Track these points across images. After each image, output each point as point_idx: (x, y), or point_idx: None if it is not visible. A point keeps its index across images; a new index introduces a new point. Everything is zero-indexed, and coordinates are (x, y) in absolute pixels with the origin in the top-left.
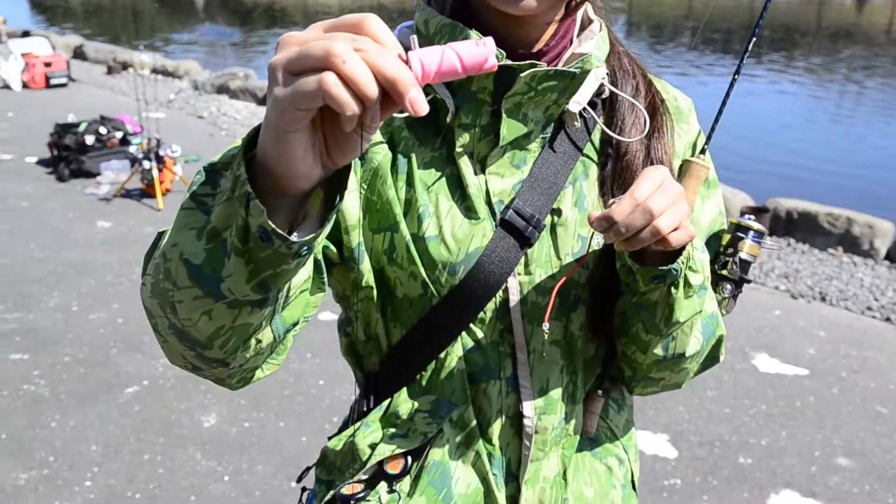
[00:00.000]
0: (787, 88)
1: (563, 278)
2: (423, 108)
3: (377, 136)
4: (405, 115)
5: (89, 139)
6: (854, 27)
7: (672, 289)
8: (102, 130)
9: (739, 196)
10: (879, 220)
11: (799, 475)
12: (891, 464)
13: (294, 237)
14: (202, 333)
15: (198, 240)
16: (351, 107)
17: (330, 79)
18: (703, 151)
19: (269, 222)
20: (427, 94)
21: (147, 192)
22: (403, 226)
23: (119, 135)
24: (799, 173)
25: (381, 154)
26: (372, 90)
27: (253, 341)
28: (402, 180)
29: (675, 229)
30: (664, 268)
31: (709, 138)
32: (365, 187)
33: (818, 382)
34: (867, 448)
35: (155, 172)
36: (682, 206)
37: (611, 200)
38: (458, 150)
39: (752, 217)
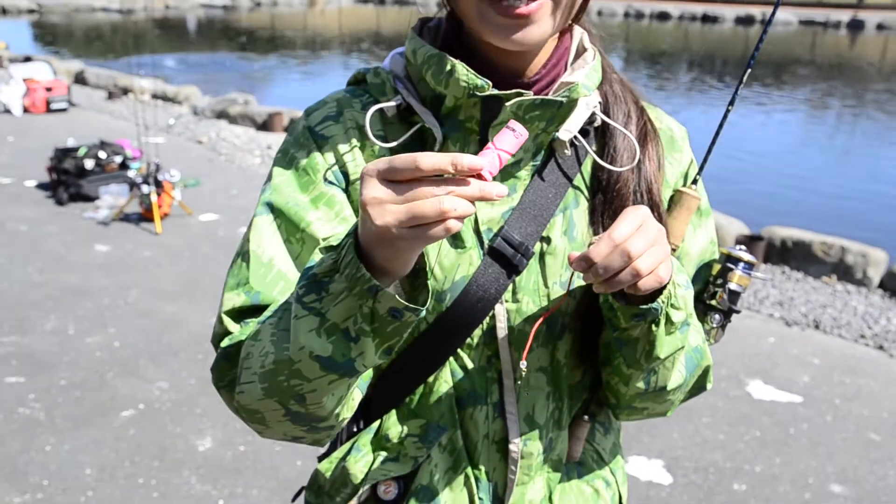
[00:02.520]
0: (782, 118)
1: (544, 315)
2: (505, 193)
3: (359, 172)
4: (390, 145)
5: (89, 164)
6: (847, 59)
7: (653, 326)
8: (102, 155)
9: (735, 224)
10: (873, 249)
11: (793, 502)
12: (884, 491)
13: (420, 305)
14: (326, 409)
15: (319, 337)
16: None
17: (453, 225)
18: (695, 181)
19: (402, 301)
20: (415, 123)
21: (145, 217)
22: None
23: (118, 159)
24: (793, 202)
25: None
26: (473, 210)
27: (351, 401)
28: None
29: (652, 272)
30: (644, 307)
31: (701, 168)
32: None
33: (812, 410)
34: (860, 475)
35: (153, 197)
36: (661, 247)
37: (590, 241)
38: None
39: (743, 248)
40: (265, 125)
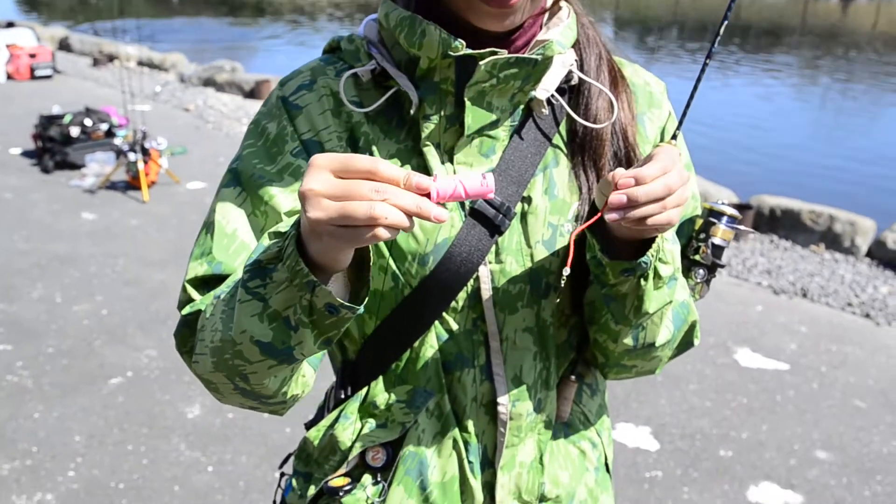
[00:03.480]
0: (772, 87)
1: (579, 229)
2: (444, 217)
3: (333, 139)
4: (365, 110)
5: (74, 131)
6: (838, 28)
7: (641, 281)
8: (88, 122)
9: (724, 193)
10: (861, 218)
11: (778, 468)
12: (868, 457)
13: (360, 302)
14: (270, 389)
15: (261, 322)
16: (391, 237)
17: (381, 233)
18: (674, 136)
19: (338, 299)
20: (390, 88)
21: (132, 185)
22: None
23: (104, 127)
24: (782, 171)
25: (339, 152)
26: (406, 224)
27: (301, 379)
28: None
29: (675, 211)
30: (634, 261)
31: (681, 122)
32: None
33: (799, 377)
34: (846, 442)
35: (140, 165)
36: (686, 190)
37: (618, 170)
38: (424, 141)
39: (726, 202)
40: (253, 93)
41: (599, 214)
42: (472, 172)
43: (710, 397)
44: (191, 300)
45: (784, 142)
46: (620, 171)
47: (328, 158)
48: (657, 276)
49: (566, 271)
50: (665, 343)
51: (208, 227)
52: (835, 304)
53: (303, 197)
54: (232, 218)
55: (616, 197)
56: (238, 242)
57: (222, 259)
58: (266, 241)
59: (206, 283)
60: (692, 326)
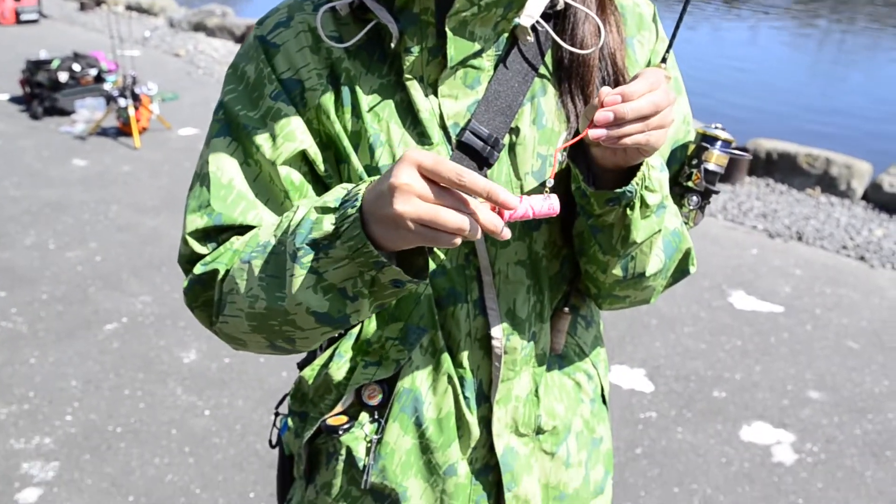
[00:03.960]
0: (770, 31)
1: (563, 145)
2: (508, 237)
3: (313, 76)
4: (345, 45)
5: (63, 76)
6: None
7: (628, 210)
8: (76, 67)
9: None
10: (857, 161)
11: (771, 408)
12: (860, 397)
13: (420, 277)
14: (313, 346)
15: (316, 293)
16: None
17: (457, 241)
18: (664, 59)
19: (405, 276)
20: (369, 21)
21: (123, 131)
22: (354, 158)
23: (93, 72)
24: (779, 115)
25: (319, 91)
26: (478, 237)
27: None
28: (347, 112)
29: (661, 132)
30: (619, 190)
31: (670, 45)
32: (317, 126)
33: (793, 319)
34: (838, 382)
35: (131, 111)
36: (671, 112)
37: (604, 89)
38: (407, 74)
39: (719, 125)
40: (244, 38)
41: (585, 132)
42: (537, 196)
43: (705, 339)
44: (194, 254)
45: (781, 85)
46: (606, 89)
47: (420, 156)
48: (644, 204)
49: (549, 182)
50: (656, 272)
51: (202, 178)
52: (829, 247)
53: (394, 188)
54: (226, 168)
55: (602, 114)
56: (235, 192)
57: (221, 210)
58: (312, 216)
59: (207, 234)
60: (686, 254)
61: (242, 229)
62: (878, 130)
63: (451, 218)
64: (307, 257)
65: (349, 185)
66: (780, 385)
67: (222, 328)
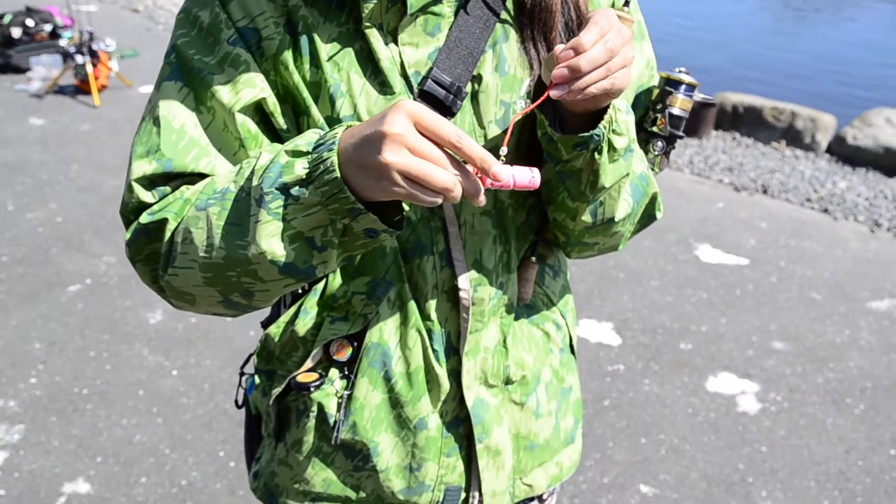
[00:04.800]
0: None
1: (518, 114)
2: (483, 203)
3: (270, 25)
4: None
5: (16, 32)
6: None
7: (595, 154)
8: (30, 23)
9: None
10: (822, 114)
11: (736, 359)
12: (822, 346)
13: (395, 227)
14: (269, 302)
15: (281, 242)
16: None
17: (438, 201)
18: (627, 3)
19: (381, 224)
20: None
21: (81, 89)
22: (315, 110)
23: (48, 28)
24: (744, 69)
25: (276, 41)
26: (457, 200)
27: None
28: (306, 62)
29: (621, 73)
30: (586, 134)
31: None
32: (274, 77)
33: (758, 272)
34: (801, 332)
35: (89, 68)
36: (630, 50)
37: (557, 46)
38: (365, 22)
39: (684, 69)
40: None
41: (546, 94)
42: (522, 168)
43: (672, 293)
44: (140, 203)
45: (748, 38)
46: (560, 45)
47: (418, 109)
48: (611, 148)
49: (503, 150)
50: (625, 217)
51: (154, 121)
52: (794, 200)
53: (384, 135)
54: (178, 113)
55: (559, 71)
56: (187, 138)
57: (172, 156)
58: (282, 159)
59: (154, 182)
60: (653, 199)
61: (193, 178)
62: (842, 84)
63: (440, 177)
64: (275, 203)
65: (321, 130)
66: (744, 336)
67: (171, 281)
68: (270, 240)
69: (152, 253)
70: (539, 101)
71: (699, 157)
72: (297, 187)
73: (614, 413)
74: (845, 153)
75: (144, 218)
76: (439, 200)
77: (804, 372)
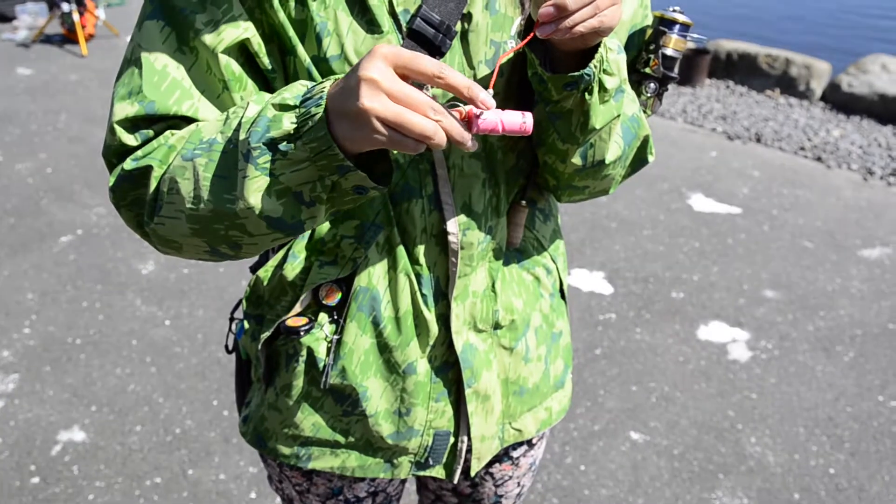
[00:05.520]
0: None
1: (506, 53)
2: (474, 149)
3: None
4: None
5: None
6: None
7: (586, 95)
8: None
9: None
10: (817, 61)
11: (727, 307)
12: (812, 294)
13: (383, 183)
14: (256, 253)
15: (269, 197)
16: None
17: (420, 147)
18: None
19: (369, 181)
20: None
21: (69, 38)
22: (301, 49)
23: None
24: (738, 16)
25: None
26: (443, 145)
27: None
28: (292, 0)
29: (610, 11)
30: (576, 73)
31: None
32: (259, 15)
33: (750, 220)
34: (792, 280)
35: (76, 16)
36: None
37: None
38: None
39: (678, 9)
40: None
41: (532, 34)
42: (512, 112)
43: (664, 242)
44: (123, 145)
45: None
46: None
47: (395, 53)
48: (602, 88)
49: (491, 92)
50: (616, 159)
51: (133, 63)
52: (787, 149)
53: (360, 81)
54: (160, 54)
55: (545, 9)
56: (170, 80)
57: (154, 98)
58: (269, 113)
59: (137, 124)
60: (645, 142)
61: (176, 120)
62: (837, 30)
63: (417, 122)
64: (263, 158)
65: (308, 83)
66: (736, 285)
67: (157, 230)
68: (258, 195)
69: (137, 199)
70: (526, 41)
71: (692, 105)
72: (284, 142)
73: (605, 361)
74: (839, 101)
75: (128, 164)
76: (422, 148)
77: (795, 320)
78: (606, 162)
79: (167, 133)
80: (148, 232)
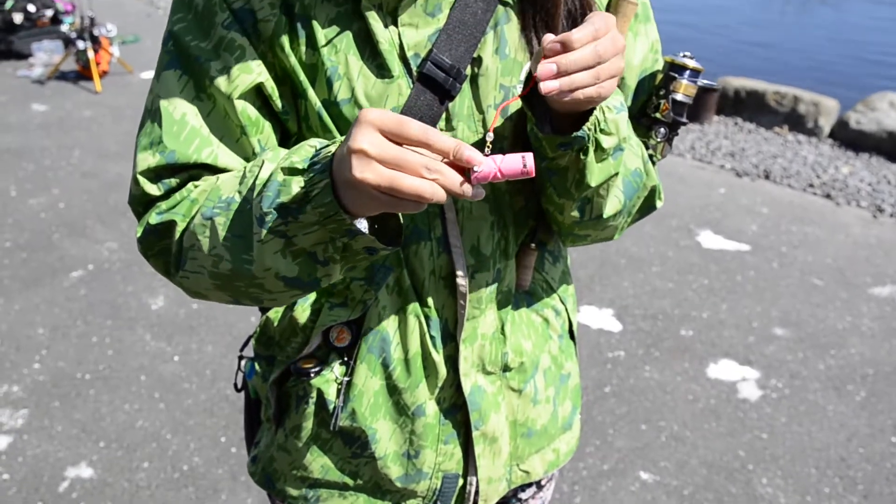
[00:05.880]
0: None
1: (506, 102)
2: (480, 197)
3: (265, 6)
4: None
5: (17, 18)
6: None
7: (581, 154)
8: (31, 8)
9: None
10: (825, 99)
11: (737, 345)
12: (823, 332)
13: (393, 244)
14: (279, 305)
15: (285, 258)
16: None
17: (420, 207)
18: None
19: (379, 243)
20: None
21: (83, 74)
22: (312, 93)
23: (49, 13)
24: (747, 54)
25: (273, 22)
26: (443, 200)
27: None
28: (303, 44)
29: (608, 82)
30: (570, 135)
31: None
32: (271, 59)
33: (759, 257)
34: (802, 318)
35: (90, 54)
36: (621, 60)
37: (546, 36)
38: (364, 3)
39: (688, 54)
40: None
41: (529, 87)
42: (511, 155)
43: (673, 279)
44: (145, 195)
45: (749, 22)
46: (549, 36)
47: (381, 117)
48: (599, 148)
49: (489, 136)
50: (615, 213)
51: (153, 114)
52: (796, 185)
53: (350, 152)
54: (178, 103)
55: (545, 66)
56: (189, 128)
57: (174, 147)
58: (279, 177)
59: (159, 174)
60: (652, 192)
61: (197, 168)
62: (845, 67)
63: (410, 184)
64: (275, 222)
65: (317, 143)
66: (745, 322)
67: (182, 282)
68: (273, 257)
69: (163, 249)
70: (523, 93)
71: (701, 142)
72: (295, 206)
73: (615, 399)
74: (848, 138)
75: (153, 218)
76: (423, 206)
77: (805, 358)
78: (604, 216)
79: (190, 186)
80: (175, 282)
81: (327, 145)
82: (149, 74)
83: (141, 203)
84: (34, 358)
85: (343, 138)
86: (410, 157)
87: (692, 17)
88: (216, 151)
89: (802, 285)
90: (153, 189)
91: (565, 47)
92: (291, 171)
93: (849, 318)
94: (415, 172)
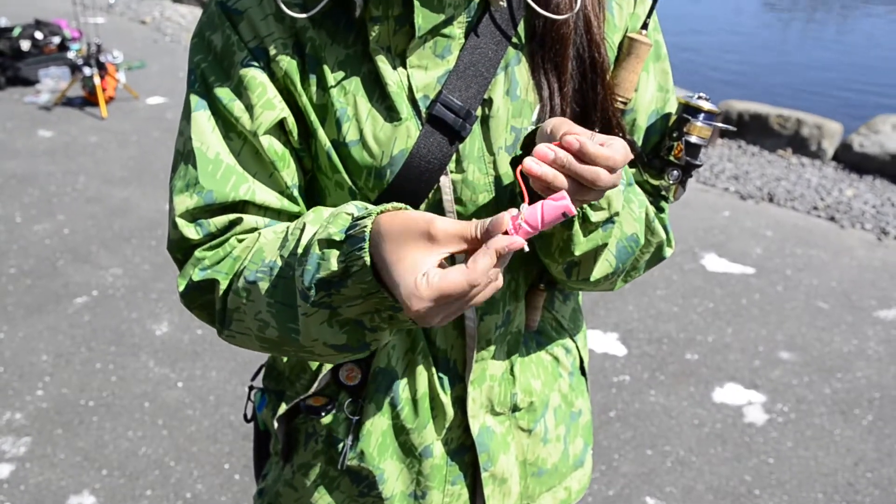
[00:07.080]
0: None
1: (521, 183)
2: (522, 247)
3: (278, 47)
4: (308, 14)
5: (25, 45)
6: None
7: (565, 226)
8: (38, 35)
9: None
10: (828, 121)
11: (742, 369)
12: (829, 356)
13: None
14: (335, 363)
15: (331, 328)
16: None
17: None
18: (645, 25)
19: None
20: None
21: (89, 101)
22: (321, 133)
23: (56, 40)
24: (750, 77)
25: (285, 63)
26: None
27: None
28: (313, 85)
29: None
30: None
31: (651, 10)
32: (286, 97)
33: (764, 280)
34: (808, 342)
35: (97, 80)
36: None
37: (537, 127)
38: (373, 45)
39: (703, 95)
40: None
41: (519, 169)
42: (548, 202)
43: (677, 302)
44: (184, 239)
45: (753, 46)
46: (574, 131)
47: (430, 294)
48: (587, 221)
49: (524, 207)
50: (604, 276)
51: (186, 156)
52: (800, 208)
53: (411, 309)
54: (211, 143)
55: (543, 150)
56: (224, 166)
57: (211, 187)
58: (317, 250)
59: (196, 216)
60: (659, 248)
61: (235, 207)
62: (848, 90)
63: (458, 308)
64: (318, 295)
65: (353, 209)
66: (751, 346)
67: (230, 340)
68: (320, 328)
69: (206, 304)
70: (523, 190)
71: (704, 165)
72: (336, 280)
73: (620, 424)
74: (852, 160)
75: (197, 275)
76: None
77: (811, 382)
78: (591, 280)
79: (233, 241)
80: (223, 339)
81: (362, 219)
82: (154, 100)
83: (180, 249)
84: (37, 385)
85: (373, 212)
86: (459, 288)
87: (694, 40)
88: (253, 187)
89: (808, 308)
90: (191, 232)
91: (578, 154)
92: (329, 244)
93: (854, 342)
94: (467, 297)
